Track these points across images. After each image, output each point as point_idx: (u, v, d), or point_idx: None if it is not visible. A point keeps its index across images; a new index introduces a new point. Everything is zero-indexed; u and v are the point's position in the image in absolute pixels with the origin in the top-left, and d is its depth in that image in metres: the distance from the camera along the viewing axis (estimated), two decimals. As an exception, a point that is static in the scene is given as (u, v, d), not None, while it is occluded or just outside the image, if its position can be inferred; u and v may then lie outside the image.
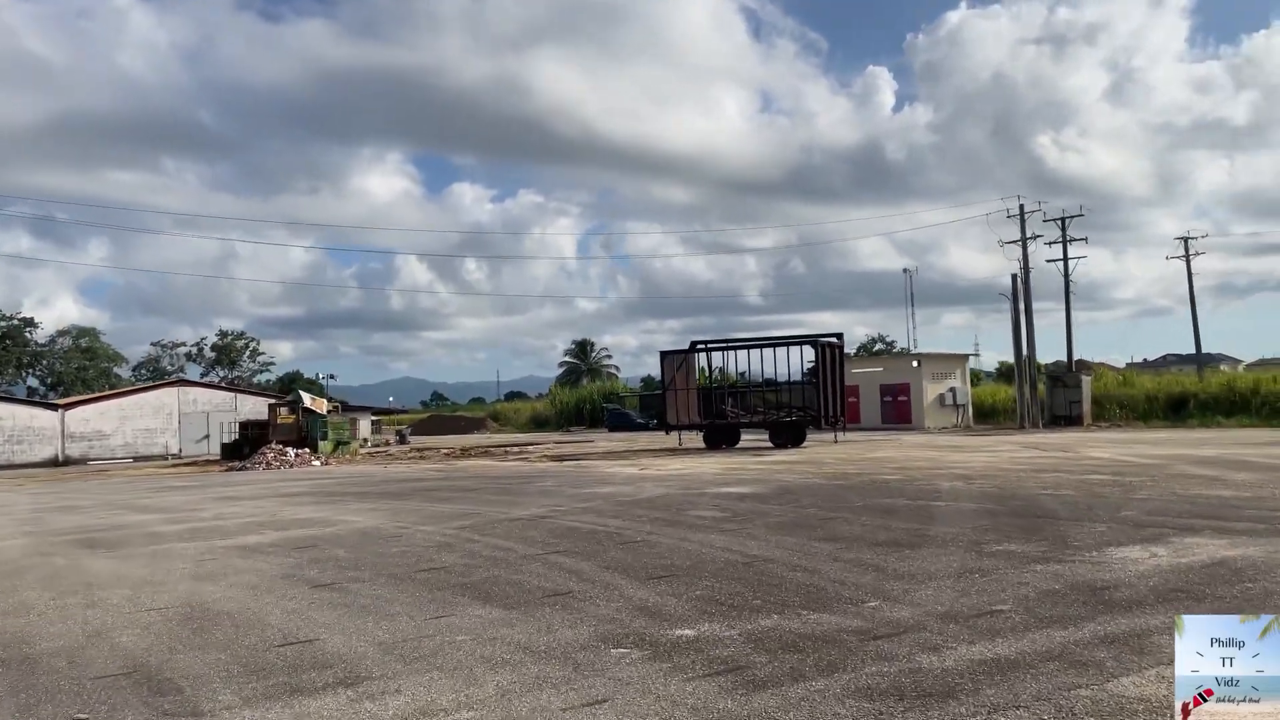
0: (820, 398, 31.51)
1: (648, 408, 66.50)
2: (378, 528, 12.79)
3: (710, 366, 35.21)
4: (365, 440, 53.34)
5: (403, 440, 59.38)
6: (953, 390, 46.75)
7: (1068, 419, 43.60)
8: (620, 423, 61.71)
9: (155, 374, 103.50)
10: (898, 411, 46.09)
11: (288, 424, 40.60)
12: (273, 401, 44.21)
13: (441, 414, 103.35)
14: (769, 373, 32.82)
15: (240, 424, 43.41)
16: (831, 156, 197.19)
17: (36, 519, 16.38)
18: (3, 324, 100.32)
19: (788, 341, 33.27)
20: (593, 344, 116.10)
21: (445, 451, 39.95)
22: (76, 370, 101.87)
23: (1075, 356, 48.02)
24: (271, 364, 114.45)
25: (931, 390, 46.04)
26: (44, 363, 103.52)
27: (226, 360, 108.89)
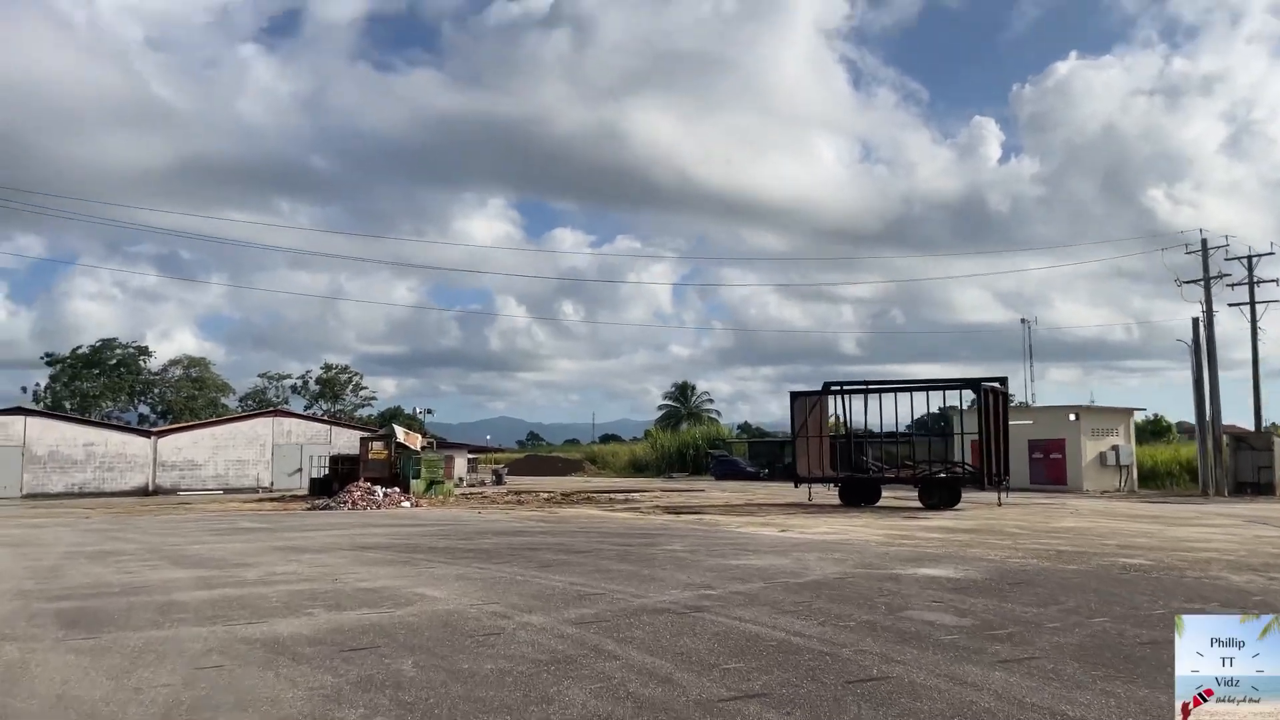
0: (983, 452, 26.86)
1: (758, 455, 62.20)
2: (465, 614, 9.10)
3: (846, 411, 30.82)
4: (460, 480, 50.44)
5: (499, 481, 56.33)
6: (1115, 449, 41.14)
7: (1255, 486, 37.56)
8: (728, 471, 57.47)
9: (260, 405, 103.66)
10: (1050, 471, 40.69)
11: (380, 460, 37.85)
12: (365, 435, 41.61)
13: (538, 454, 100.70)
14: (892, 419, 28.57)
15: (331, 458, 40.91)
16: (932, 206, 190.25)
17: (55, 568, 13.29)
18: (119, 352, 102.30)
19: (942, 385, 28.80)
20: (693, 387, 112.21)
21: (545, 496, 36.47)
22: (186, 400, 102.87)
23: (1219, 414, 41.83)
24: (374, 399, 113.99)
25: (1091, 448, 40.55)
26: (155, 391, 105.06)
27: (330, 394, 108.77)
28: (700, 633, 8.04)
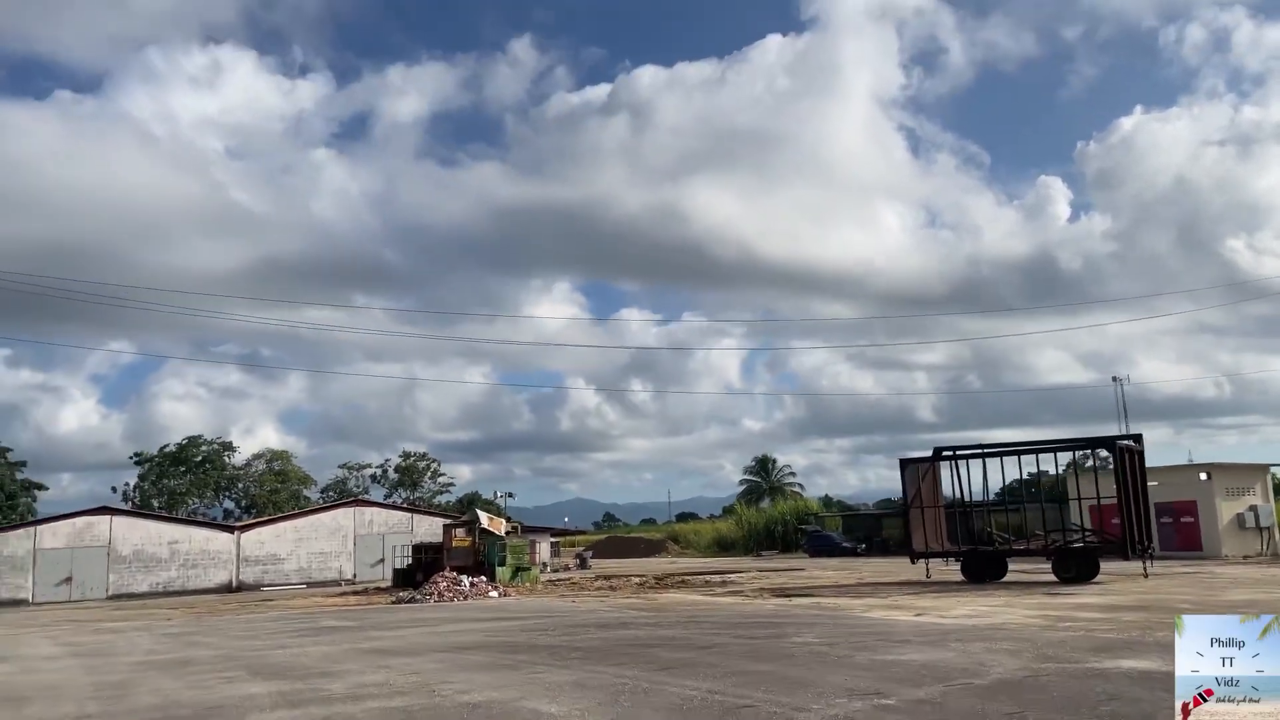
0: (1124, 518, 24.26)
1: (853, 530, 59.33)
2: (597, 739, 7.38)
3: (957, 477, 28.33)
4: (545, 565, 48.78)
5: (584, 565, 54.49)
6: (1254, 509, 37.63)
7: None
8: (823, 547, 54.69)
9: (341, 495, 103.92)
10: (1182, 536, 37.29)
11: (463, 547, 36.42)
12: (448, 522, 40.33)
13: (618, 535, 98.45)
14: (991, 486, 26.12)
15: (414, 547, 39.62)
16: (1001, 268, 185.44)
17: (123, 684, 11.94)
18: (204, 449, 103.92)
19: (1069, 445, 26.36)
20: (774, 461, 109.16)
21: (636, 580, 34.50)
22: (269, 493, 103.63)
23: None
24: (452, 485, 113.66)
25: (1227, 510, 37.14)
26: (239, 486, 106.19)
27: (409, 481, 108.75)
28: (911, 766, 6.19)
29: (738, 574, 36.65)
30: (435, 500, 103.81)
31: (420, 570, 37.39)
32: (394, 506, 57.79)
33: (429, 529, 49.91)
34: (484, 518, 36.85)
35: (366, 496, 71.86)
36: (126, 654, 16.01)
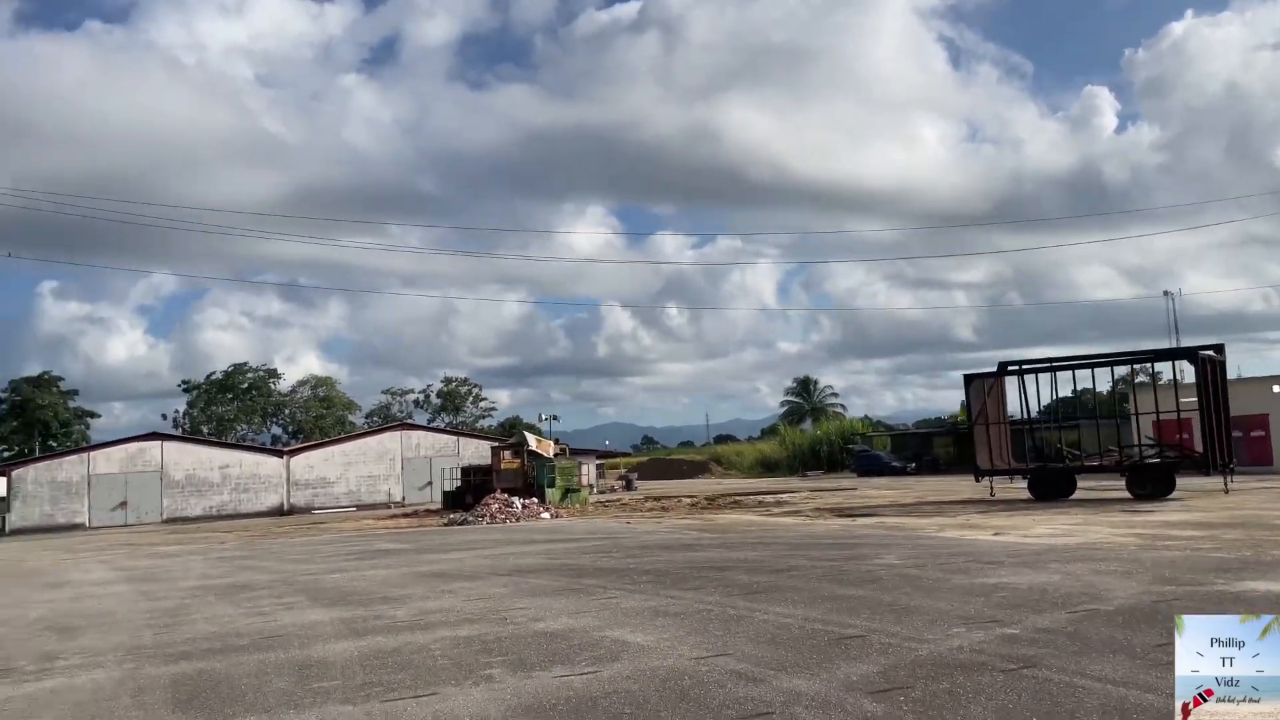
0: (1206, 432, 23.07)
1: (901, 449, 58.50)
2: (697, 675, 6.60)
3: (1023, 392, 27.05)
4: (591, 486, 48.55)
5: (629, 486, 54.28)
6: (1328, 422, 36.10)
7: None
8: (870, 466, 53.92)
9: (385, 421, 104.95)
10: (1253, 451, 35.91)
11: (512, 469, 36.11)
12: (495, 444, 40.01)
13: (659, 457, 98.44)
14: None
15: (462, 470, 39.44)
16: (1044, 182, 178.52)
17: (178, 610, 11.46)
18: (250, 376, 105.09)
19: (1145, 356, 25.11)
20: (815, 382, 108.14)
21: (687, 501, 33.98)
22: (315, 419, 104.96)
23: None
24: (493, 409, 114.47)
25: (1300, 422, 35.66)
26: (286, 412, 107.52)
27: (451, 406, 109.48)
28: (1087, 710, 5.33)
29: (789, 494, 36.04)
30: (478, 425, 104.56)
31: (469, 492, 37.22)
32: (440, 430, 57.82)
33: (475, 452, 49.84)
34: (532, 440, 36.42)
35: (413, 421, 72.19)
36: (181, 578, 15.66)
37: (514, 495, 32.42)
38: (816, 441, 67.80)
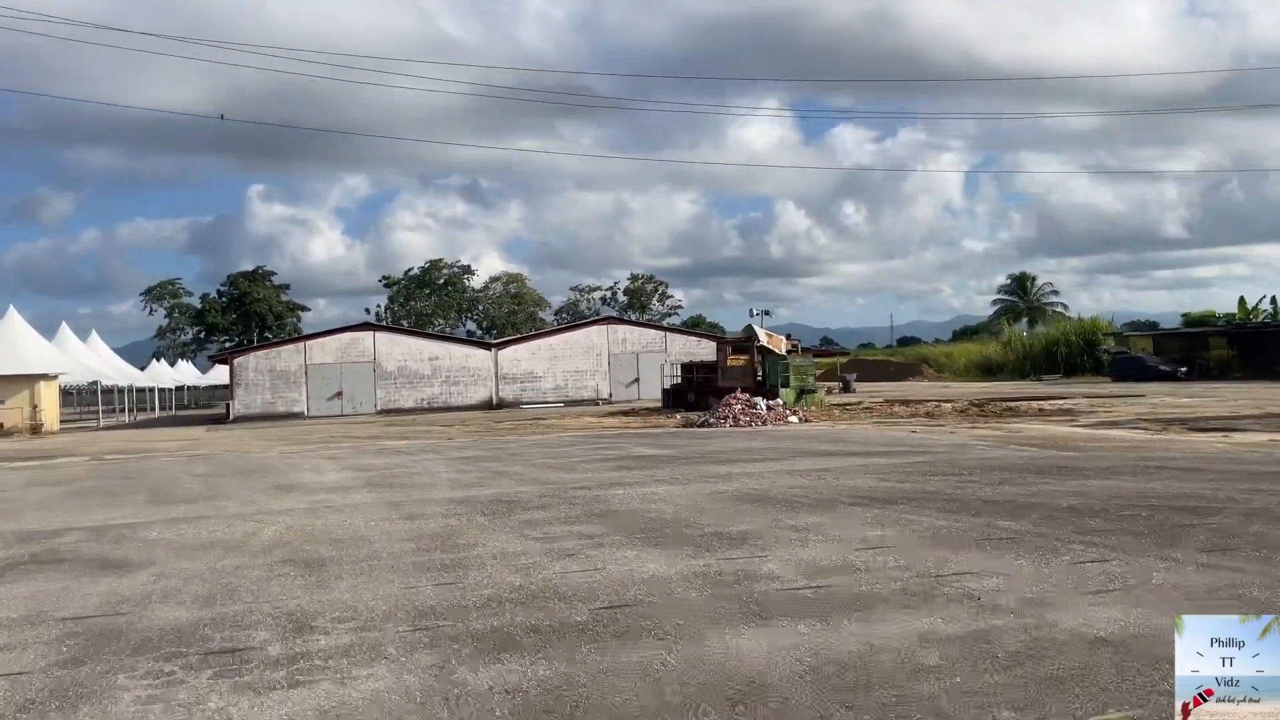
0: None
1: (1164, 351, 51.37)
2: None
3: None
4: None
5: (847, 388, 50.07)
6: None
7: None
8: (1132, 370, 47.26)
9: (574, 317, 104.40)
10: None
11: (739, 367, 32.76)
12: (721, 339, 36.69)
13: (861, 358, 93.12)
14: None
15: (683, 366, 36.46)
16: (1274, 60, 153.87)
17: (448, 537, 8.55)
18: (445, 272, 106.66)
19: None
20: (1034, 279, 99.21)
21: (948, 406, 29.49)
22: (507, 314, 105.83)
23: None
24: (679, 307, 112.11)
25: None
26: (479, 308, 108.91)
27: (637, 304, 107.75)
28: None
29: (1060, 399, 30.98)
30: (664, 322, 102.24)
31: (692, 391, 34.26)
32: (647, 325, 55.32)
33: (682, 348, 46.96)
34: (762, 334, 32.81)
35: (619, 315, 70.20)
36: (428, 485, 13.06)
37: (749, 394, 29.05)
38: (1052, 342, 60.96)
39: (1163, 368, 46.14)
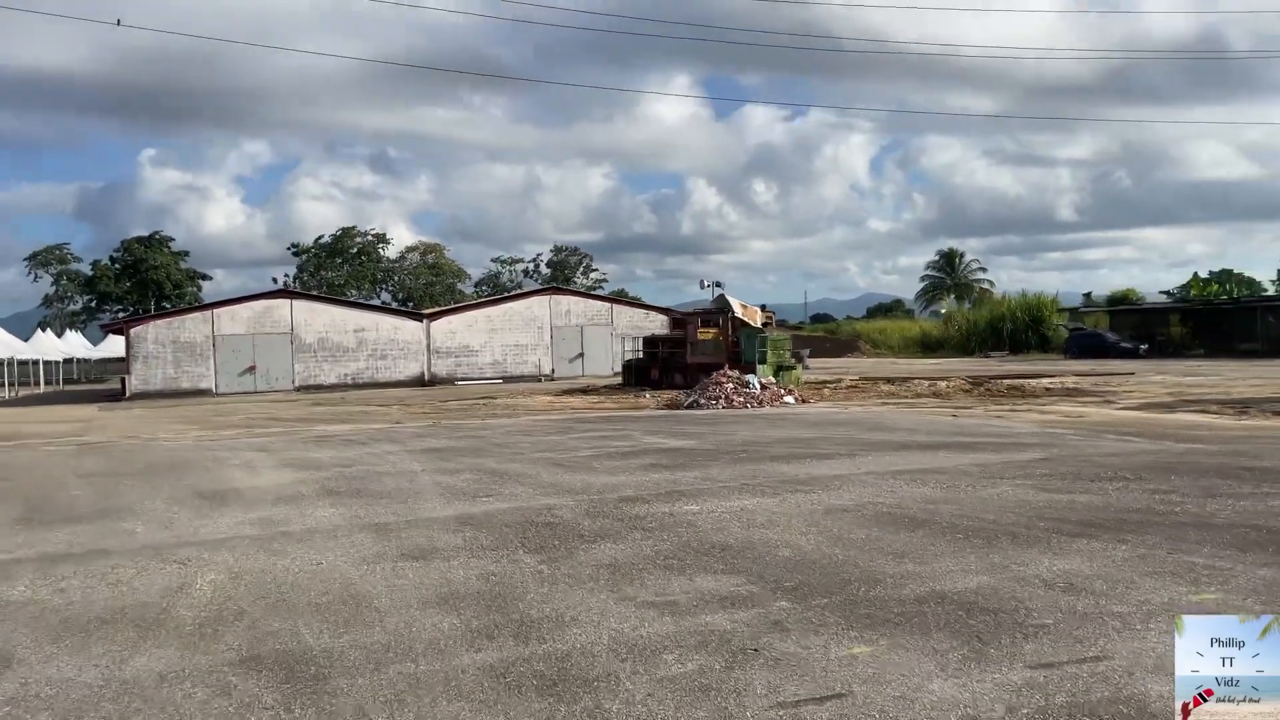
0: None
1: (1121, 328, 50.50)
2: None
3: None
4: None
5: (801, 364, 47.65)
6: None
7: None
8: (1092, 346, 46.03)
9: (495, 290, 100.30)
10: None
11: (709, 341, 29.78)
12: (690, 312, 33.64)
13: (800, 335, 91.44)
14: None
15: (646, 340, 33.35)
16: (1160, 51, 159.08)
17: (504, 603, 5.33)
18: (359, 240, 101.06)
19: None
20: (961, 255, 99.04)
21: (953, 385, 27.11)
22: (425, 285, 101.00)
23: None
24: (605, 280, 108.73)
25: None
26: (395, 278, 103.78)
27: (561, 277, 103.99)
28: None
29: (1053, 378, 28.99)
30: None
31: (656, 366, 31.25)
32: (593, 296, 51.95)
33: (629, 321, 43.89)
34: (736, 305, 29.87)
35: (563, 285, 66.68)
36: (410, 492, 9.72)
37: (713, 371, 26.15)
38: (998, 319, 59.81)
39: (1124, 345, 45.01)
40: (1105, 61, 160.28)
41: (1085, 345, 46.19)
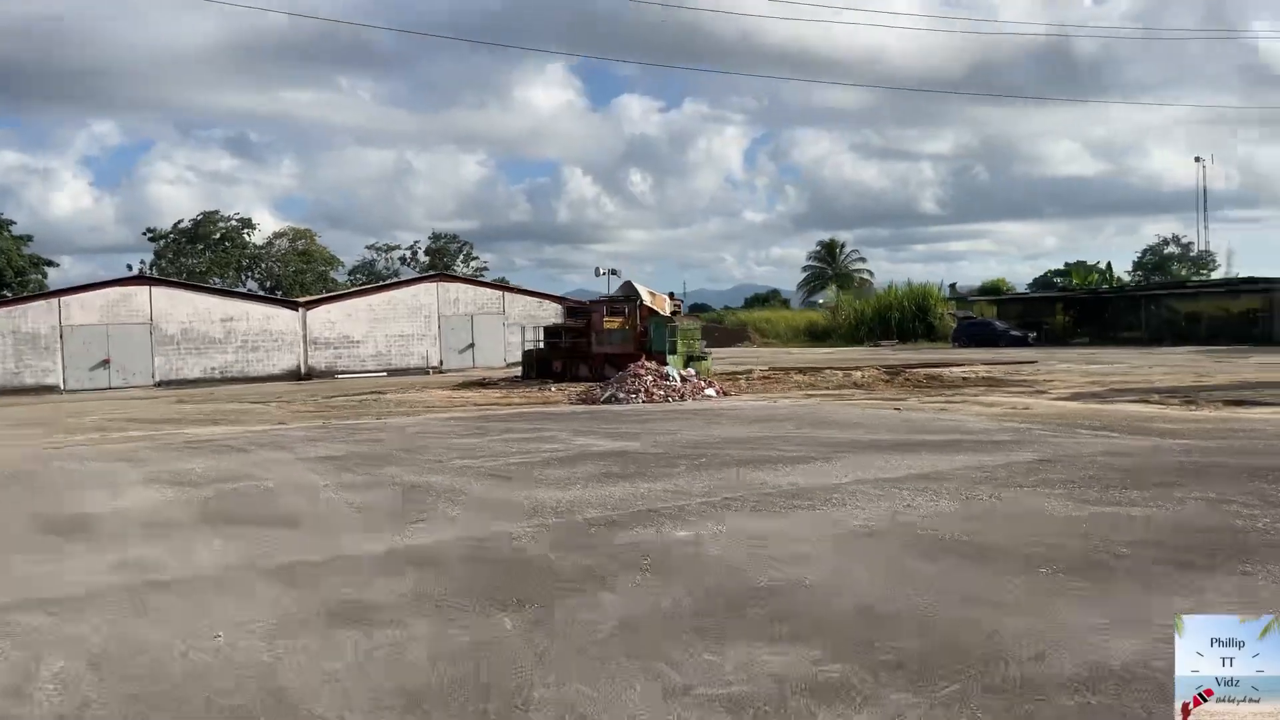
0: None
1: (1008, 317, 51.59)
2: None
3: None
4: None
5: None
6: None
7: None
8: (981, 335, 46.68)
9: (370, 278, 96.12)
10: None
11: (616, 330, 28.31)
12: (595, 300, 32.00)
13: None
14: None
15: (547, 330, 31.52)
16: (1017, 52, 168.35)
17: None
18: (222, 226, 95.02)
19: None
20: (842, 245, 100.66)
21: (866, 375, 26.36)
22: (294, 274, 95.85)
23: None
24: (485, 269, 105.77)
25: None
26: (263, 265, 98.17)
27: (440, 265, 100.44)
28: None
29: (964, 366, 28.71)
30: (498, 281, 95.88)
31: (558, 359, 29.56)
32: (483, 283, 49.47)
33: (523, 310, 41.99)
34: (644, 293, 28.45)
35: (451, 272, 63.66)
36: (316, 517, 7.86)
37: (628, 362, 24.74)
38: (885, 308, 60.40)
39: (1013, 333, 45.80)
40: (966, 60, 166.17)
41: (975, 334, 46.84)
